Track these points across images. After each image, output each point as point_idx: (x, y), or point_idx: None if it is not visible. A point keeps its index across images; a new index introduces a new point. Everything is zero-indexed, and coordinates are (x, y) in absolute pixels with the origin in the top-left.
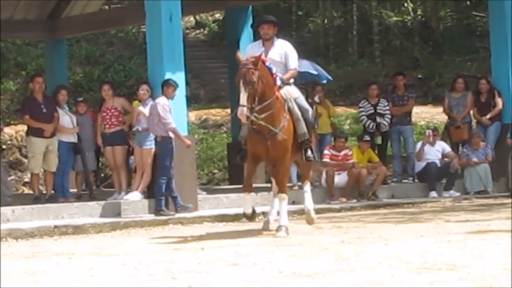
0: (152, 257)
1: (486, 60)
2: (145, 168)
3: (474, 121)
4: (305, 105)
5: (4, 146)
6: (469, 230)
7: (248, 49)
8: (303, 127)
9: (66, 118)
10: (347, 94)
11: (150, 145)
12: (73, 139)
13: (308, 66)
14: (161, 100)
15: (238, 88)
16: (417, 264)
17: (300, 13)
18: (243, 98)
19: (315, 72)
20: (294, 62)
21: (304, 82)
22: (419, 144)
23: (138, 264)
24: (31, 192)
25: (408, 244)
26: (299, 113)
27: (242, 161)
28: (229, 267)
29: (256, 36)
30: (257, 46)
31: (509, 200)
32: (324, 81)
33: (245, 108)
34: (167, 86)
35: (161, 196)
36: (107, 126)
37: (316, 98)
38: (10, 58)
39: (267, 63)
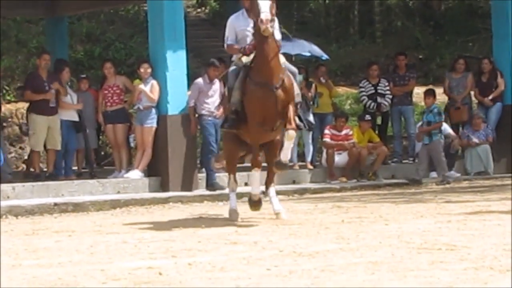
0: (152, 235)
1: (488, 41)
2: (146, 146)
3: (474, 102)
4: (293, 68)
5: (4, 124)
6: (469, 211)
7: (231, 21)
8: (297, 88)
9: (67, 96)
10: (348, 74)
11: (151, 123)
12: (74, 117)
13: (300, 48)
14: None
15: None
16: (417, 244)
17: None
18: (266, 5)
19: (307, 54)
20: (279, 35)
21: (305, 59)
22: (419, 124)
23: (139, 242)
24: (30, 169)
25: (408, 224)
26: (293, 71)
27: (232, 128)
28: (229, 245)
29: None
30: (242, 17)
31: (508, 181)
32: (323, 58)
33: (269, 16)
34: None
35: (211, 170)
36: (109, 104)
37: (322, 79)
38: (11, 35)
39: None
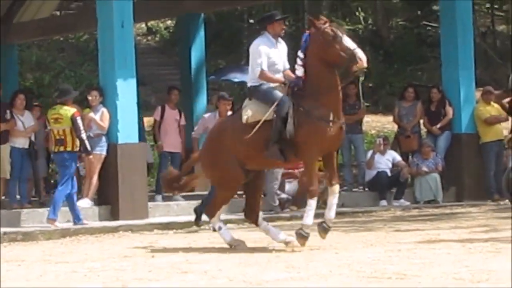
0: (103, 264)
1: (437, 70)
2: (93, 174)
3: (424, 131)
4: None
5: None
6: (419, 240)
7: (263, 48)
8: None
9: (19, 124)
10: None
11: (101, 151)
12: (26, 144)
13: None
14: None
15: (336, 36)
16: (368, 273)
17: (251, 20)
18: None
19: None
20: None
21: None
22: (369, 153)
23: (89, 272)
24: None
25: (359, 253)
26: None
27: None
28: (179, 274)
29: (207, 43)
30: (270, 43)
31: (458, 209)
32: None
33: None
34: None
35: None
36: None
37: None
38: None
39: None
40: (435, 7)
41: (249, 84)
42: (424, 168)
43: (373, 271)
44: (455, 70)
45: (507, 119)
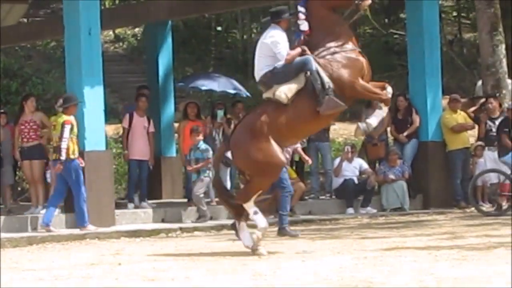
0: (69, 272)
1: (404, 78)
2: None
3: (391, 138)
4: None
5: None
6: (385, 247)
7: (283, 35)
8: None
9: None
10: None
11: None
12: None
13: (226, 85)
14: None
15: None
16: (334, 281)
17: (219, 28)
18: None
19: (233, 91)
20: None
21: (223, 95)
22: (337, 160)
23: (55, 280)
24: None
25: (325, 261)
26: None
27: None
28: (146, 282)
29: (175, 51)
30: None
31: (424, 217)
32: (244, 96)
33: None
34: None
35: (285, 212)
36: (25, 140)
37: (240, 116)
38: None
39: None
40: (402, 15)
41: (263, 72)
42: (391, 176)
43: (339, 279)
44: (422, 78)
45: (473, 127)
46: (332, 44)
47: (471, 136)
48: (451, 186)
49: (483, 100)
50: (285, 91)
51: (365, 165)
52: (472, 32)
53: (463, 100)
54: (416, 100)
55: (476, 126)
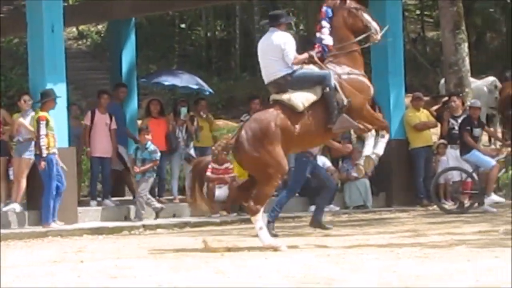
0: (32, 269)
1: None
2: (20, 178)
3: (354, 136)
4: None
5: None
6: (348, 245)
7: (290, 37)
8: None
9: None
10: (229, 108)
11: (30, 155)
12: None
13: (188, 80)
14: None
15: (361, 9)
16: (297, 278)
17: (183, 25)
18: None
19: (195, 87)
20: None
21: (186, 93)
22: None
23: (17, 277)
24: None
25: (288, 258)
26: None
27: None
28: (108, 280)
29: (139, 48)
30: None
31: (387, 215)
32: (206, 93)
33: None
34: None
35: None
36: None
37: (202, 113)
38: None
39: None
40: None
41: (281, 74)
42: (354, 174)
43: (302, 276)
44: (385, 76)
45: (436, 125)
46: (347, 66)
47: (434, 134)
48: (413, 184)
49: (446, 98)
50: (303, 99)
51: (328, 163)
52: (435, 30)
53: (426, 98)
54: (379, 98)
55: (439, 124)
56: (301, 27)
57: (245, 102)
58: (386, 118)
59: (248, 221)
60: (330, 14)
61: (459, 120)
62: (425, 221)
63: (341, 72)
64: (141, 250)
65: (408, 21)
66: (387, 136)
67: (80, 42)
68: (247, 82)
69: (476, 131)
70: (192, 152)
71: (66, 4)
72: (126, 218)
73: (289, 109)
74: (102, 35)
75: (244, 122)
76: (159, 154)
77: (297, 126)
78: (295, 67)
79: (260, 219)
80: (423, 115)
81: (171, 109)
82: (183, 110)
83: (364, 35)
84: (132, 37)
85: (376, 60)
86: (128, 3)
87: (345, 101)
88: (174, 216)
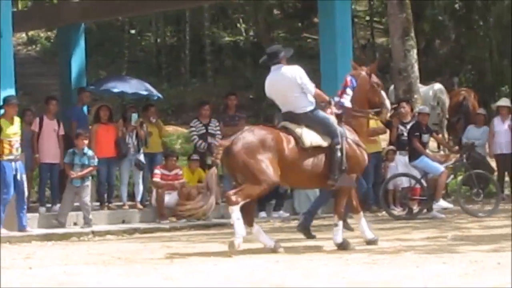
0: None
1: (316, 81)
2: None
3: None
4: None
5: None
6: (297, 251)
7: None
8: None
9: None
10: (179, 114)
11: None
12: None
13: (138, 87)
14: None
15: (380, 86)
16: (246, 284)
17: (132, 31)
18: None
19: (144, 93)
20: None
21: (136, 99)
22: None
23: None
24: None
25: (238, 264)
26: None
27: None
28: (57, 286)
29: (88, 53)
30: None
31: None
32: (155, 98)
33: None
34: None
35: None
36: None
37: (152, 119)
38: None
39: None
40: (315, 20)
41: (303, 110)
42: None
43: (251, 282)
44: (335, 82)
45: (385, 132)
46: (354, 133)
47: (383, 140)
48: (363, 190)
49: (395, 104)
50: (313, 139)
51: None
52: (385, 36)
53: None
54: None
55: (388, 131)
56: (251, 33)
57: (195, 108)
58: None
59: (197, 227)
60: (355, 84)
61: (408, 127)
62: (374, 227)
63: (351, 138)
64: (90, 256)
65: (357, 28)
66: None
67: (29, 48)
68: (197, 88)
69: (425, 137)
70: (142, 158)
71: (15, 9)
72: (75, 224)
73: (293, 138)
74: (51, 40)
75: (244, 129)
76: (96, 160)
77: (296, 159)
78: (315, 107)
79: (238, 211)
80: (372, 121)
81: (120, 115)
82: (134, 116)
83: (377, 110)
84: (82, 42)
85: (326, 66)
86: (78, 8)
87: (344, 166)
88: (123, 222)
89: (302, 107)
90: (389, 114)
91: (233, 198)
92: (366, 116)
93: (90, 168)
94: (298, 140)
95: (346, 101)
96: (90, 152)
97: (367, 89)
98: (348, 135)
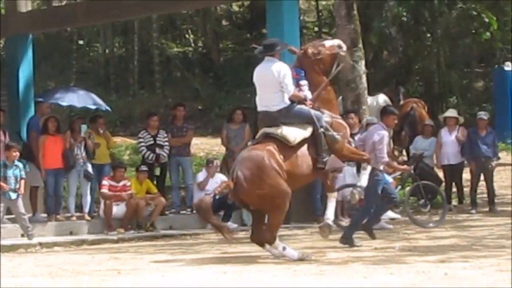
0: None
1: None
2: None
3: None
4: None
5: None
6: (245, 262)
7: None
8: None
9: None
10: (127, 125)
11: None
12: None
13: (86, 100)
14: (382, 130)
15: (319, 46)
16: None
17: (81, 42)
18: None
19: (93, 107)
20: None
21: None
22: (201, 174)
23: None
24: None
25: (186, 275)
26: None
27: None
28: None
29: (36, 64)
30: None
31: (285, 232)
32: (103, 109)
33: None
34: (387, 114)
35: (356, 225)
36: None
37: (100, 130)
38: None
39: None
40: (264, 30)
41: (279, 107)
42: None
43: None
44: None
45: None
46: (327, 110)
47: None
48: (311, 201)
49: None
50: (296, 135)
51: (226, 179)
52: None
53: None
54: None
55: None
56: (200, 44)
57: (143, 119)
58: None
59: (145, 238)
60: (302, 73)
61: (356, 138)
62: (322, 238)
63: (328, 115)
64: (38, 268)
65: (306, 39)
66: (369, 168)
67: None
68: (145, 99)
69: None
70: (90, 169)
71: None
72: (23, 235)
73: (280, 143)
74: None
75: (236, 163)
76: (27, 171)
77: (288, 161)
78: (290, 103)
79: (279, 244)
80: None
81: (68, 126)
82: (83, 127)
83: (335, 67)
84: (30, 53)
85: None
86: (26, 18)
87: (337, 137)
88: (71, 233)
89: (276, 105)
90: (344, 47)
91: (270, 238)
92: (328, 85)
93: (23, 181)
94: (282, 141)
95: (306, 93)
96: (21, 164)
97: (313, 65)
98: (325, 116)
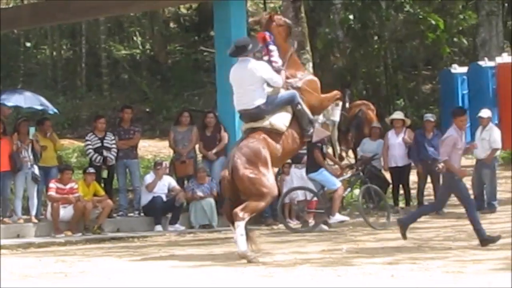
0: None
1: (213, 95)
2: None
3: (199, 156)
4: None
5: None
6: (192, 265)
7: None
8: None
9: None
10: (75, 127)
11: None
12: None
13: (32, 101)
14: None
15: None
16: None
17: (28, 44)
18: None
19: (40, 108)
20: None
21: (31, 112)
22: (150, 176)
23: None
24: None
25: (132, 277)
26: None
27: None
28: None
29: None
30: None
31: (233, 234)
32: (51, 112)
33: None
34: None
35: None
36: None
37: (48, 133)
38: None
39: None
40: (212, 33)
41: (256, 104)
42: (199, 193)
43: None
44: (230, 95)
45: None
46: (298, 72)
47: None
48: None
49: None
50: (284, 121)
51: (174, 183)
52: None
53: None
54: (225, 118)
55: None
56: (147, 46)
57: (91, 121)
58: (231, 138)
59: (93, 241)
60: (272, 38)
61: None
62: (270, 240)
63: (297, 81)
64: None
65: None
66: (340, 103)
67: None
68: (93, 101)
69: (325, 149)
70: (37, 171)
71: None
72: None
73: (271, 133)
74: None
75: (233, 150)
76: None
77: (283, 145)
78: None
79: (243, 227)
80: None
81: (14, 129)
82: (32, 129)
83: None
84: None
85: (221, 79)
86: None
87: (312, 117)
88: (18, 236)
89: (254, 101)
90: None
91: (240, 214)
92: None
93: None
94: (275, 131)
95: (276, 59)
96: None
97: (280, 32)
98: (295, 82)
